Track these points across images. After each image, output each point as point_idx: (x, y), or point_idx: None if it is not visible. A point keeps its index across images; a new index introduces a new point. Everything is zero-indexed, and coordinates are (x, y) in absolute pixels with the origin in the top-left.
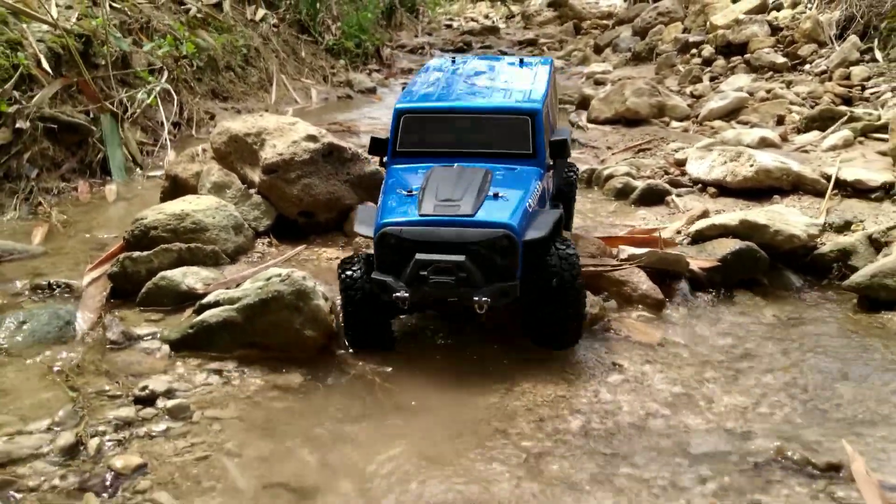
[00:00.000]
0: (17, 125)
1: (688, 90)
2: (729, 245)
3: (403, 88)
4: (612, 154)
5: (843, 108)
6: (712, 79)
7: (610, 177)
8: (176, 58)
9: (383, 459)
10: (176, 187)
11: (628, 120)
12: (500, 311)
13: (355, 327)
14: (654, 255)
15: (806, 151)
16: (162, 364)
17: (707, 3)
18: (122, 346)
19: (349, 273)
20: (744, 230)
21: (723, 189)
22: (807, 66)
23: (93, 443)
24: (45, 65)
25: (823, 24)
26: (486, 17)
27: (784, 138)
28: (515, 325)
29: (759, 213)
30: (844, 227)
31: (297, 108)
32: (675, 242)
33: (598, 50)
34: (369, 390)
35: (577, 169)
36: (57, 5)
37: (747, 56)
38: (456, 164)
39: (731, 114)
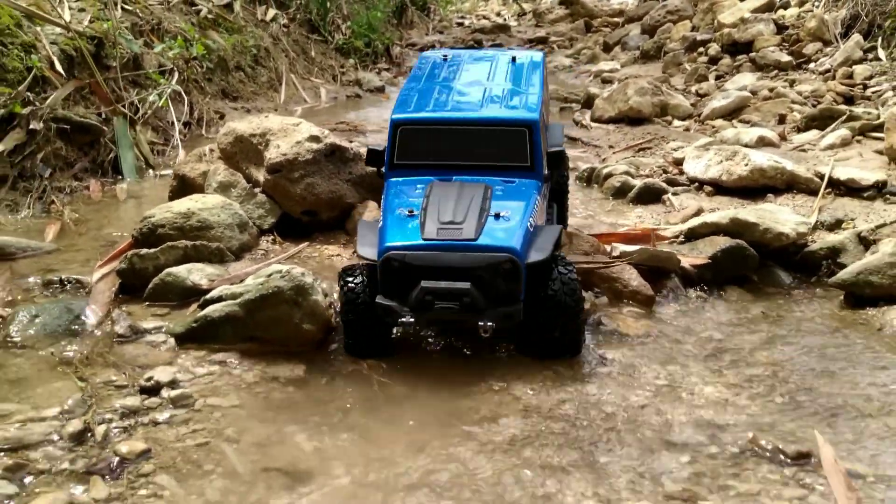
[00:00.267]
0: (31, 126)
1: (693, 89)
2: (719, 243)
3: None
4: (613, 153)
5: (842, 107)
6: (718, 77)
7: (609, 175)
8: (186, 59)
9: (375, 446)
10: (184, 186)
11: (631, 119)
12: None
13: (355, 336)
14: (645, 252)
15: (804, 150)
16: (167, 356)
17: (715, 2)
18: (129, 339)
19: (350, 283)
20: (734, 228)
21: (719, 188)
22: (811, 65)
23: (100, 429)
24: (59, 67)
25: (829, 23)
26: (498, 14)
27: (783, 137)
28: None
29: (749, 212)
30: (835, 226)
31: (307, 108)
32: (667, 238)
33: (607, 48)
34: (365, 382)
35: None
36: (70, 8)
37: (753, 54)
38: (455, 179)
39: (734, 113)
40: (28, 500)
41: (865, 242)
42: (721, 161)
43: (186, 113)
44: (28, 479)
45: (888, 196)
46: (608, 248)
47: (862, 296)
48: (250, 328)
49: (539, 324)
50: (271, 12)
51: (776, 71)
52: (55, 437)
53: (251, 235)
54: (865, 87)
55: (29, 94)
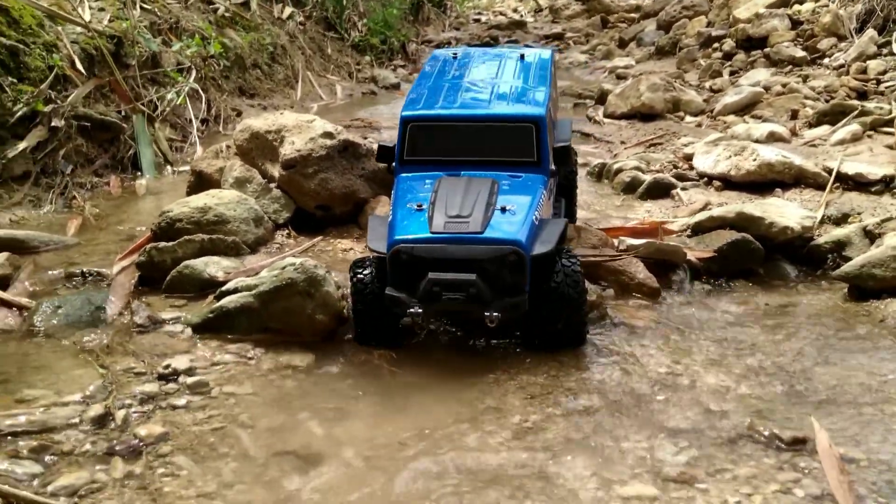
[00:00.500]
0: (53, 123)
1: (707, 85)
2: (726, 236)
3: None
4: (625, 149)
5: (854, 102)
6: (732, 73)
7: (619, 171)
8: (204, 57)
9: (384, 431)
10: (201, 182)
11: (643, 115)
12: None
13: (364, 325)
14: (651, 245)
15: (814, 146)
16: (184, 345)
17: None
18: (147, 329)
19: (359, 275)
20: (740, 222)
21: (727, 183)
22: (826, 60)
23: (120, 414)
24: (79, 65)
25: (843, 18)
26: (515, 10)
27: (794, 133)
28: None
29: (754, 206)
30: (842, 220)
31: (322, 105)
32: (675, 232)
33: (622, 44)
34: (375, 371)
35: (576, 158)
36: (90, 7)
37: (767, 50)
38: (463, 174)
39: (746, 108)
40: (53, 479)
41: (871, 236)
42: (730, 156)
43: (204, 110)
44: (53, 460)
45: (895, 191)
46: (616, 241)
47: (865, 288)
48: (265, 319)
49: (543, 315)
50: (288, 10)
51: (790, 66)
52: (78, 421)
53: (266, 229)
54: (879, 81)
55: (51, 92)
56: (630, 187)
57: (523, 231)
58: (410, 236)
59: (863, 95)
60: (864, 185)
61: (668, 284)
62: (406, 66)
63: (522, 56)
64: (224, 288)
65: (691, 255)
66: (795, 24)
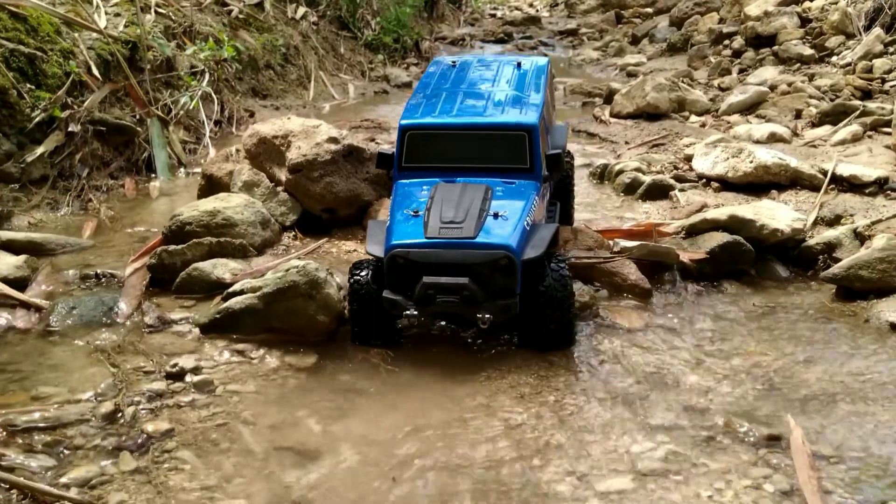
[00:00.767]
0: (70, 128)
1: (716, 83)
2: (717, 238)
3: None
4: (629, 149)
5: (856, 102)
6: (741, 71)
7: (620, 172)
8: (217, 60)
9: (380, 428)
10: (211, 185)
11: (649, 115)
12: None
13: (360, 325)
14: (644, 247)
15: (815, 146)
16: (192, 345)
17: None
18: (157, 329)
19: (358, 277)
20: (732, 224)
21: (725, 184)
22: (833, 58)
23: (129, 410)
24: (95, 71)
25: (852, 16)
26: (531, 5)
27: (795, 133)
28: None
29: (747, 208)
30: (835, 221)
31: (334, 104)
32: (670, 234)
33: (634, 40)
34: (373, 370)
35: (573, 160)
36: (105, 14)
37: (776, 48)
38: (459, 181)
39: (751, 108)
40: (65, 472)
41: (861, 238)
42: (727, 158)
43: (217, 112)
44: (65, 454)
45: (889, 192)
46: (611, 243)
47: (852, 289)
48: (268, 319)
49: (533, 317)
50: (301, 10)
51: (798, 64)
52: (89, 417)
53: (273, 232)
54: (884, 81)
55: (68, 98)
56: (630, 188)
57: (514, 236)
58: (406, 241)
59: (867, 95)
60: (858, 187)
61: (661, 285)
62: (419, 65)
63: (519, 64)
64: (231, 289)
65: (684, 257)
66: (804, 21)
